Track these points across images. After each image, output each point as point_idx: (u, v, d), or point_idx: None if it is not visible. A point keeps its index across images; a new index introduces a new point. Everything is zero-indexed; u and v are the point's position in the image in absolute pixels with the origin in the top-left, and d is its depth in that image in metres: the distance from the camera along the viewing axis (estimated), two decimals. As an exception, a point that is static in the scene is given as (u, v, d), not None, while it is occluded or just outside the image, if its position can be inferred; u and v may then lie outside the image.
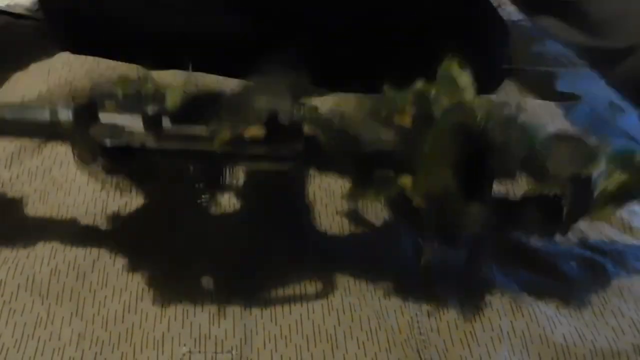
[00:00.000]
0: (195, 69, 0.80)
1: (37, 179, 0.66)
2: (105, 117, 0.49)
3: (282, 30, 0.78)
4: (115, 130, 0.47)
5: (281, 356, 0.53)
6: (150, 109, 0.47)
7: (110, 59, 0.79)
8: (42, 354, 0.52)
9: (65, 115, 0.49)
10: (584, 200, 0.49)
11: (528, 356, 0.54)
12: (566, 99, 0.81)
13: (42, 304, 0.55)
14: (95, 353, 0.52)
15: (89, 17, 0.73)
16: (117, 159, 0.48)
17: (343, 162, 0.50)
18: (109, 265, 0.57)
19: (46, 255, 0.58)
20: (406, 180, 0.49)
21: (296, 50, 0.81)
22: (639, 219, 0.66)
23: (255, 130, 0.48)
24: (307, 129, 0.49)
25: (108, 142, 0.47)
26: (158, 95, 0.50)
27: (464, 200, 0.48)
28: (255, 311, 0.56)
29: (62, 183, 0.65)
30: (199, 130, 0.48)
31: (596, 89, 0.83)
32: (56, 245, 0.59)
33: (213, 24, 0.78)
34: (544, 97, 0.81)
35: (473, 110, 0.49)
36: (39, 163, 0.67)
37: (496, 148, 0.47)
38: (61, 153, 0.68)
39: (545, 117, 0.78)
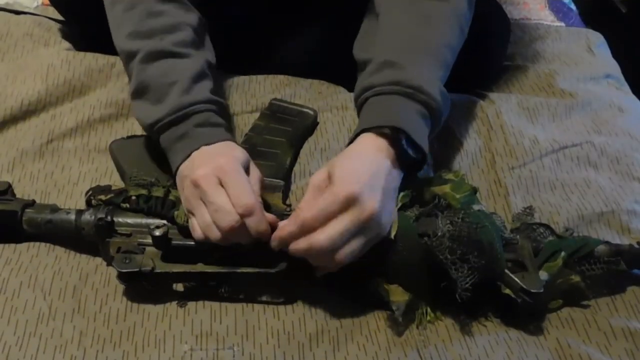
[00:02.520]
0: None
1: (38, 182, 0.66)
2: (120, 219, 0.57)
3: (285, 24, 0.78)
4: (127, 257, 0.55)
5: (284, 353, 0.53)
6: (159, 231, 0.54)
7: (112, 52, 0.79)
8: (44, 352, 0.52)
9: (88, 224, 0.57)
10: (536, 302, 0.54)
11: (526, 356, 0.54)
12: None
13: (44, 299, 0.55)
14: (97, 351, 0.52)
15: (95, 14, 0.72)
16: (128, 280, 0.55)
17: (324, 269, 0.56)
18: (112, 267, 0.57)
19: (50, 261, 0.58)
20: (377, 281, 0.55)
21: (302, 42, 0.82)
22: (639, 220, 0.66)
23: (247, 248, 0.54)
24: None
25: (122, 268, 0.54)
26: (168, 202, 0.58)
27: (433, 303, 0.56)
28: (258, 307, 0.56)
29: (63, 185, 0.66)
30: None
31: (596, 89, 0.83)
32: (60, 253, 0.59)
33: (214, 19, 0.78)
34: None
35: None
36: (40, 167, 0.68)
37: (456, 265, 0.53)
38: (63, 158, 0.69)
39: (545, 114, 0.78)
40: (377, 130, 0.56)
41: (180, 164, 0.57)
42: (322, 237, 0.51)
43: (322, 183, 0.53)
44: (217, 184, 0.54)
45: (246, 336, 0.54)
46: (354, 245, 0.52)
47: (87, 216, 0.58)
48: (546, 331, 0.56)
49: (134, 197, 0.58)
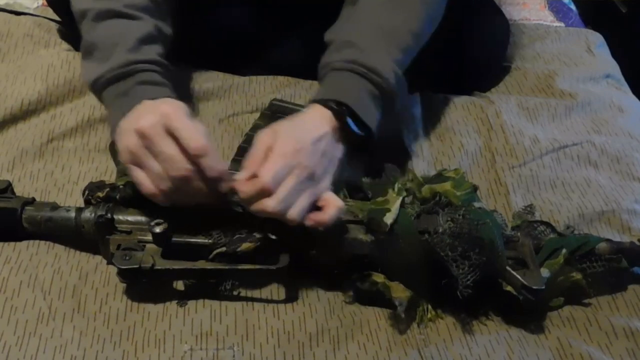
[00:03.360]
0: (196, 65, 0.81)
1: (38, 181, 0.66)
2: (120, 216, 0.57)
3: (284, 24, 0.78)
4: (127, 254, 0.54)
5: (284, 352, 0.53)
6: (159, 228, 0.54)
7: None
8: (44, 352, 0.52)
9: (88, 222, 0.57)
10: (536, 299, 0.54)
11: (527, 355, 0.54)
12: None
13: (44, 299, 0.55)
14: (97, 351, 0.52)
15: None
16: (128, 277, 0.55)
17: (326, 265, 0.57)
18: (112, 266, 0.57)
19: (49, 260, 0.58)
20: (378, 278, 0.55)
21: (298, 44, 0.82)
22: (639, 219, 0.66)
23: (248, 245, 0.55)
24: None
25: (122, 265, 0.54)
26: None
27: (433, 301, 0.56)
28: (258, 306, 0.56)
29: (63, 184, 0.66)
30: (202, 241, 0.56)
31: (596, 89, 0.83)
32: (59, 251, 0.59)
33: (214, 20, 0.78)
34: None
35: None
36: (40, 166, 0.68)
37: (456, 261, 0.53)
38: (63, 157, 0.69)
39: (544, 115, 0.78)
40: (324, 102, 0.59)
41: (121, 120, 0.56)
42: (273, 202, 0.51)
43: (270, 144, 0.54)
44: (165, 132, 0.52)
45: (246, 336, 0.54)
46: (301, 203, 0.53)
47: (87, 214, 0.57)
48: (547, 330, 0.56)
49: (121, 186, 0.57)
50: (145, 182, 0.53)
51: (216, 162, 0.52)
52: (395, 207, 0.56)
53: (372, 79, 0.60)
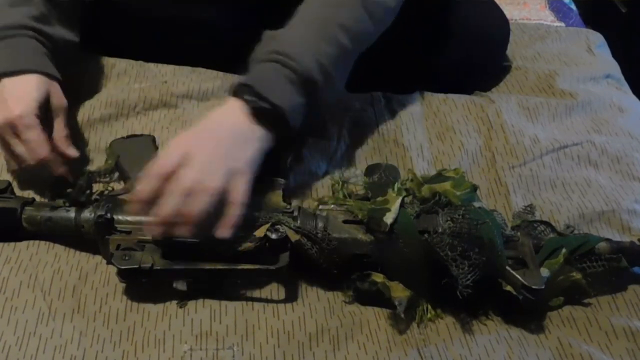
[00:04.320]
0: (196, 64, 0.81)
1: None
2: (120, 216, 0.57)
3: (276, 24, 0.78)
4: (127, 254, 0.55)
5: (284, 352, 0.53)
6: None
7: (110, 52, 0.79)
8: (43, 352, 0.52)
9: (87, 222, 0.57)
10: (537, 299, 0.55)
11: (526, 355, 0.54)
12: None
13: (44, 299, 0.55)
14: (97, 351, 0.52)
15: (91, 9, 0.72)
16: (128, 276, 0.55)
17: (325, 266, 0.57)
18: (112, 266, 0.57)
19: (49, 260, 0.58)
20: (378, 278, 0.56)
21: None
22: (639, 219, 0.66)
23: (248, 245, 0.55)
24: (293, 237, 0.55)
25: (121, 265, 0.54)
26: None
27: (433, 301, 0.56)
28: (258, 306, 0.56)
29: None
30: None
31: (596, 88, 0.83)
32: (59, 251, 0.59)
33: (214, 19, 0.78)
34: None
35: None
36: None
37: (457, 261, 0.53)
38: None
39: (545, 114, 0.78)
40: (231, 89, 0.60)
41: None
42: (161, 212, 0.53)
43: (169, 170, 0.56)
44: (12, 133, 0.59)
45: (246, 336, 0.54)
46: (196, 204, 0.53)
47: (87, 214, 0.57)
48: (547, 330, 0.56)
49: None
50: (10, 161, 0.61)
51: (58, 165, 0.60)
52: (395, 206, 0.56)
53: (286, 63, 0.60)
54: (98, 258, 0.59)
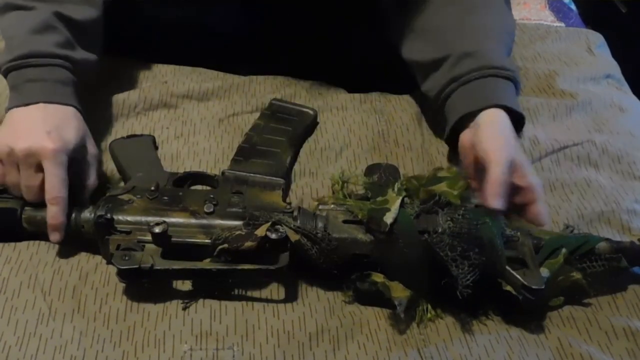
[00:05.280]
0: (196, 64, 0.81)
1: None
2: (120, 216, 0.57)
3: (281, 25, 0.78)
4: (127, 254, 0.55)
5: (284, 352, 0.53)
6: (158, 228, 0.55)
7: (111, 53, 0.79)
8: (44, 352, 0.52)
9: (87, 222, 0.58)
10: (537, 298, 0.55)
11: (526, 355, 0.54)
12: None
13: (44, 300, 0.55)
14: (97, 351, 0.52)
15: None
16: (128, 277, 0.55)
17: (325, 266, 0.57)
18: (112, 266, 0.57)
19: (49, 260, 0.58)
20: (377, 278, 0.56)
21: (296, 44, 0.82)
22: (639, 219, 0.66)
23: (250, 244, 0.55)
24: (293, 237, 0.55)
25: (121, 265, 0.54)
26: None
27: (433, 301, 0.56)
28: (258, 306, 0.56)
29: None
30: (201, 240, 0.56)
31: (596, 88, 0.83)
32: (59, 251, 0.59)
33: (214, 19, 0.78)
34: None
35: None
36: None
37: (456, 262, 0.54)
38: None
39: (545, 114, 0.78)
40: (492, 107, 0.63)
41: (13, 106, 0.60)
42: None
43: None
44: (35, 165, 0.56)
45: (246, 336, 0.54)
46: None
47: (87, 214, 0.57)
48: (547, 330, 0.56)
49: None
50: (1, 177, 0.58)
51: (60, 215, 0.56)
52: (395, 206, 0.56)
53: (505, 75, 0.65)
54: (98, 258, 0.59)
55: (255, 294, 0.57)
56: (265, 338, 0.54)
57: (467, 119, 0.64)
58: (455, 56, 0.66)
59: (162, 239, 0.55)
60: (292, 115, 0.74)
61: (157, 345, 0.53)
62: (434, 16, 0.69)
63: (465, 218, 0.54)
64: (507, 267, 0.54)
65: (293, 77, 0.80)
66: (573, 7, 1.02)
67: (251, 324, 0.55)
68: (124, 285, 0.56)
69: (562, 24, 0.97)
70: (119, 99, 0.74)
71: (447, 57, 0.67)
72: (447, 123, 0.67)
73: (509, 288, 0.54)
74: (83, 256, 0.59)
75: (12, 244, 0.59)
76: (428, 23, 0.70)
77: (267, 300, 0.57)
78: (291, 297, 0.57)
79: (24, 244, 0.59)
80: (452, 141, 0.67)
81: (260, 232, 0.55)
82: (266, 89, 0.79)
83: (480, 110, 0.63)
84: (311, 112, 0.74)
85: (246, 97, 0.78)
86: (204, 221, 0.57)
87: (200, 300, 0.56)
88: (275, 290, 0.57)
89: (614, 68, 0.88)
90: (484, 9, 0.69)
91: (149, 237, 0.55)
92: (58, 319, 0.54)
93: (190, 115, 0.74)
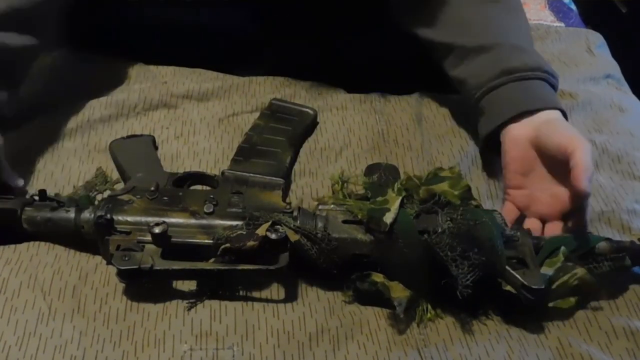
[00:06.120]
0: (196, 65, 0.81)
1: (38, 181, 0.66)
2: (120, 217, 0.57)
3: (283, 26, 0.78)
4: (127, 254, 0.55)
5: (284, 352, 0.53)
6: (158, 229, 0.55)
7: (110, 55, 0.79)
8: (43, 352, 0.52)
9: (87, 222, 0.57)
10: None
11: (526, 355, 0.54)
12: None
13: (44, 300, 0.55)
14: (97, 351, 0.52)
15: (90, 12, 0.72)
16: (128, 277, 0.55)
17: (325, 266, 0.56)
18: (112, 266, 0.57)
19: (49, 260, 0.58)
20: (377, 278, 0.56)
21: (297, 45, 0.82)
22: (639, 219, 0.66)
23: (252, 243, 0.54)
24: (293, 238, 0.55)
25: (121, 265, 0.54)
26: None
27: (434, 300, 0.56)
28: (257, 306, 0.56)
29: (63, 185, 0.65)
30: (202, 241, 0.56)
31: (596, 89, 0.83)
32: (59, 251, 0.59)
33: (214, 20, 0.78)
34: None
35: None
36: (40, 166, 0.67)
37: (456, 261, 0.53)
38: (63, 157, 0.68)
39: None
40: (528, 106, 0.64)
41: None
42: None
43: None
44: None
45: (246, 336, 0.54)
46: None
47: (87, 214, 0.57)
48: (547, 330, 0.56)
49: None
50: None
51: None
52: (394, 206, 0.56)
53: (552, 82, 0.68)
54: (98, 258, 0.59)
55: (256, 294, 0.57)
56: (265, 338, 0.54)
57: (520, 116, 0.64)
58: (507, 47, 0.66)
59: (161, 240, 0.55)
60: (292, 115, 0.74)
61: (157, 345, 0.53)
62: (468, 8, 0.69)
63: (465, 218, 0.54)
64: (507, 267, 0.54)
65: (293, 77, 0.81)
66: (573, 7, 1.01)
67: (251, 324, 0.55)
68: (124, 285, 0.56)
69: (562, 24, 0.97)
70: (119, 99, 0.74)
71: (494, 46, 0.67)
72: (491, 114, 0.67)
73: (509, 288, 0.54)
74: (83, 256, 0.59)
75: (12, 245, 0.59)
76: (465, 11, 0.70)
77: (267, 300, 0.57)
78: (291, 297, 0.57)
79: (24, 245, 0.59)
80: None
81: (261, 231, 0.55)
82: (266, 89, 0.79)
83: (539, 110, 0.64)
84: (311, 112, 0.75)
85: (246, 97, 0.78)
86: (204, 221, 0.57)
87: (200, 300, 0.56)
88: (275, 290, 0.57)
89: (614, 68, 0.88)
90: (521, 12, 0.71)
91: (148, 238, 0.55)
92: (58, 318, 0.54)
93: (190, 116, 0.74)
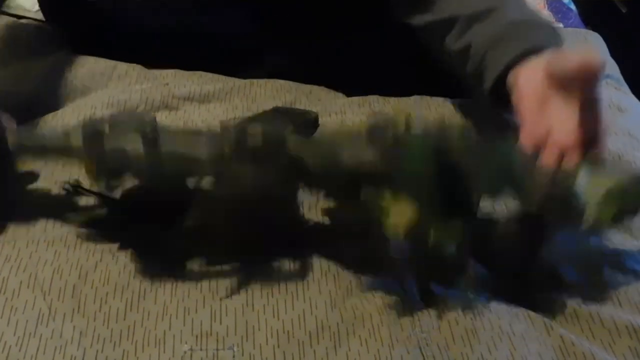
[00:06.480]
0: (196, 68, 0.82)
1: (39, 181, 0.66)
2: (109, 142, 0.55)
3: (282, 29, 0.79)
4: (118, 153, 0.53)
5: (284, 352, 0.53)
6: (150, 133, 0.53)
7: (110, 57, 0.80)
8: (44, 352, 0.52)
9: (77, 139, 0.56)
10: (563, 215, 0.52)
11: (529, 353, 0.54)
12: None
13: (44, 299, 0.55)
14: (97, 351, 0.52)
15: (89, 16, 0.73)
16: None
17: (328, 182, 0.54)
18: (112, 264, 0.57)
19: (49, 257, 0.58)
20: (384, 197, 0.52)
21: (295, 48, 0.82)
22: (639, 219, 0.66)
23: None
24: (293, 150, 0.53)
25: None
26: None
27: (445, 216, 0.51)
28: (257, 306, 0.56)
29: (64, 184, 0.65)
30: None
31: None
32: (59, 248, 0.59)
33: (213, 23, 0.78)
34: None
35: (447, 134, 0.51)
36: (42, 165, 0.67)
37: (473, 170, 0.50)
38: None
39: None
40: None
41: None
42: None
43: None
44: None
45: (246, 336, 0.54)
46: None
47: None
48: (550, 327, 0.56)
49: None
50: None
51: None
52: (401, 120, 0.52)
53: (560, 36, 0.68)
54: (98, 256, 0.59)
55: (256, 294, 0.57)
56: (265, 339, 0.54)
57: (528, 54, 0.63)
58: (511, 5, 0.66)
59: (154, 143, 0.53)
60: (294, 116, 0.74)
61: (157, 345, 0.53)
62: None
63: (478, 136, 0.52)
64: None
65: (293, 79, 0.81)
66: (572, 7, 1.02)
67: (251, 325, 0.54)
68: (124, 284, 0.56)
69: (562, 24, 0.97)
70: (120, 99, 0.74)
71: (499, 7, 0.66)
72: (497, 59, 0.65)
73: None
74: (82, 253, 0.59)
75: (12, 242, 0.59)
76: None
77: (267, 297, 0.56)
78: (291, 292, 0.57)
79: (23, 242, 0.59)
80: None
81: None
82: (267, 92, 0.79)
83: (547, 48, 0.63)
84: (312, 112, 0.75)
85: (247, 100, 0.78)
86: None
87: (201, 300, 0.56)
88: (275, 289, 0.57)
89: (613, 68, 0.88)
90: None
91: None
92: (58, 318, 0.54)
93: (192, 117, 0.75)
